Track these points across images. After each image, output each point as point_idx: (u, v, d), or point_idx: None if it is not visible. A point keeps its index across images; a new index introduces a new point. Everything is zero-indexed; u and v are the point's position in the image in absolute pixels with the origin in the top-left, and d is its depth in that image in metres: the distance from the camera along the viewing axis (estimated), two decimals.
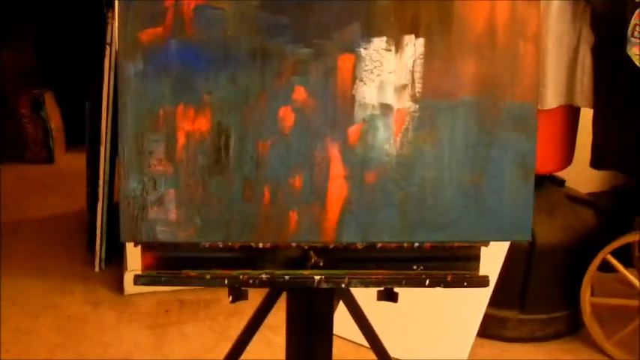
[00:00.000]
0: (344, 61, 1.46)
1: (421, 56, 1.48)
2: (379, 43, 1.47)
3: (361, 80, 1.47)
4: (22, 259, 3.51)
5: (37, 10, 5.00)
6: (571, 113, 2.92)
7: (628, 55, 2.63)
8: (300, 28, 1.45)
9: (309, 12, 1.45)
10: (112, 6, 3.06)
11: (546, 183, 3.09)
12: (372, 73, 1.47)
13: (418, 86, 1.48)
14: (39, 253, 3.60)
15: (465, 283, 1.56)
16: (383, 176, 1.49)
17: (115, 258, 3.49)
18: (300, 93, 1.46)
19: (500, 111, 1.51)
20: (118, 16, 1.46)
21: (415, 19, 1.48)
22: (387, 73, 1.47)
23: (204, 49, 1.43)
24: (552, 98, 2.78)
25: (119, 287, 3.37)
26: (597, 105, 2.76)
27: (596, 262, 2.85)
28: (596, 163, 2.81)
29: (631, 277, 2.82)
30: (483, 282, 1.57)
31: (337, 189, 1.48)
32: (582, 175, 3.30)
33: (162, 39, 1.42)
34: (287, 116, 1.46)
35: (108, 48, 3.25)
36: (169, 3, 1.42)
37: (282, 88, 1.45)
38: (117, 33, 1.62)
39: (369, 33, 1.46)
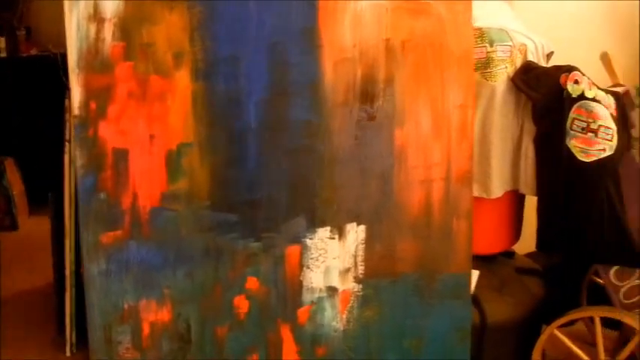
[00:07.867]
0: (291, 252, 1.59)
1: (363, 241, 1.61)
2: (323, 232, 1.60)
3: (308, 267, 1.60)
4: None
5: None
6: (516, 196, 3.06)
7: (567, 146, 2.79)
8: (249, 224, 1.57)
9: (258, 209, 1.57)
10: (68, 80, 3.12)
11: (497, 257, 3.23)
12: (317, 260, 1.60)
13: (361, 268, 1.61)
14: (7, 337, 3.64)
15: None
16: (332, 349, 1.63)
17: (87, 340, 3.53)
18: (252, 282, 1.58)
19: (437, 283, 1.65)
20: (80, 221, 1.56)
21: (356, 208, 1.60)
22: (331, 259, 1.60)
23: (161, 248, 1.55)
24: (498, 188, 2.91)
25: None
26: (540, 193, 2.90)
27: (544, 337, 2.99)
28: (542, 246, 2.95)
29: (579, 351, 2.97)
30: None
31: None
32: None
33: (122, 240, 1.54)
34: (241, 304, 1.58)
35: (67, 144, 3.32)
36: (126, 207, 1.53)
37: (236, 280, 1.58)
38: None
39: (313, 224, 1.59)
